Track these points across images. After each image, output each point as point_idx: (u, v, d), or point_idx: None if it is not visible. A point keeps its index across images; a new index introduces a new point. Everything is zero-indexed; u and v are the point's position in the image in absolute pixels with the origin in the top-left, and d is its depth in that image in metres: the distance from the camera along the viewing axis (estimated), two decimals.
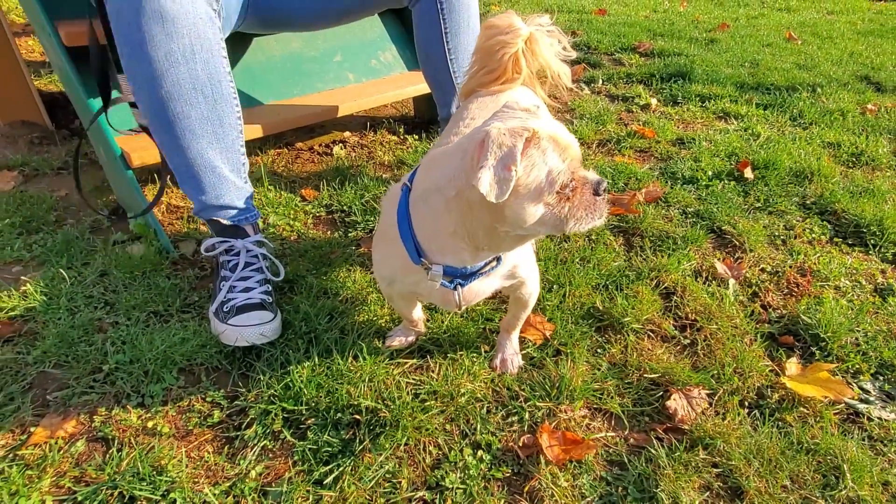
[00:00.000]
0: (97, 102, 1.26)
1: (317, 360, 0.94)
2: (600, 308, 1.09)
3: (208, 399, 0.90)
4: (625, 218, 1.38)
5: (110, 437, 0.84)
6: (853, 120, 1.99)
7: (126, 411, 0.88)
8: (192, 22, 0.88)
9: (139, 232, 1.26)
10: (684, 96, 2.22)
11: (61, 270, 1.13)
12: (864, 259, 1.28)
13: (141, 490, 0.75)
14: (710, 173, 1.59)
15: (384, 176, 1.60)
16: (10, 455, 0.81)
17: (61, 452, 0.81)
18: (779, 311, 1.11)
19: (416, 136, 1.84)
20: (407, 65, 1.86)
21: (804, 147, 1.76)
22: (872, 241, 1.32)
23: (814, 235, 1.35)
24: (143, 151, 1.24)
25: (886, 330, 1.05)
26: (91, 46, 1.05)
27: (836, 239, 1.35)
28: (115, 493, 0.75)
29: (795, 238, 1.34)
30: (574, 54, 1.06)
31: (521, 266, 0.80)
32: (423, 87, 1.65)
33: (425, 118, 1.94)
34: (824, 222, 1.40)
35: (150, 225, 1.24)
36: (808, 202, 1.48)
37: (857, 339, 1.03)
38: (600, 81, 2.41)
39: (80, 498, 0.75)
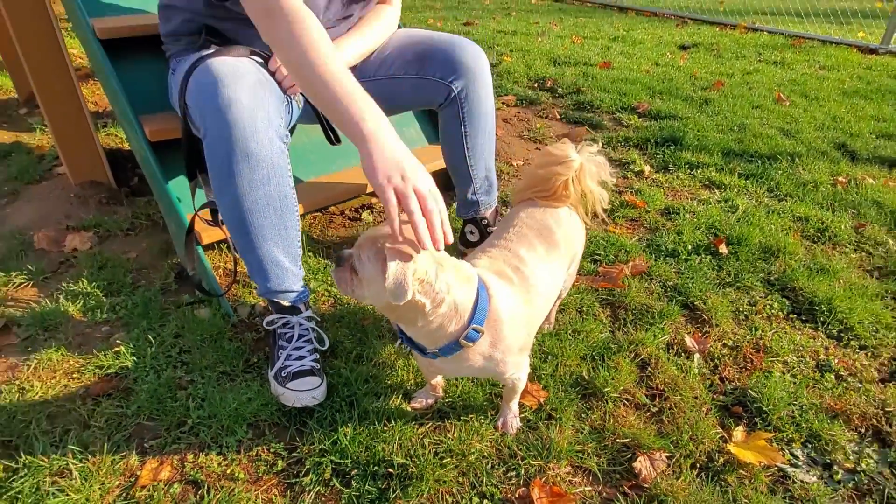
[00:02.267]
0: (173, 188, 1.53)
1: (357, 420, 1.18)
2: (586, 378, 1.32)
3: (272, 450, 1.15)
4: (612, 291, 1.63)
5: (199, 480, 1.08)
6: (824, 193, 2.23)
7: (209, 459, 1.12)
8: (270, 156, 1.14)
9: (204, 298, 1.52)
10: (675, 163, 2.46)
11: (149, 336, 1.39)
12: (813, 336, 1.51)
13: None
14: (689, 248, 1.83)
15: None
16: (125, 494, 1.05)
17: (164, 493, 1.06)
18: (733, 384, 1.35)
19: None
20: (428, 139, 2.12)
21: (776, 221, 2.00)
22: (822, 319, 1.55)
23: (773, 311, 1.58)
24: (212, 231, 1.50)
25: (818, 404, 1.28)
26: (185, 157, 1.30)
27: (791, 315, 1.58)
28: None
29: (756, 314, 1.57)
30: (614, 179, 1.29)
31: (501, 363, 1.02)
32: (441, 162, 1.90)
33: (441, 185, 2.19)
34: (783, 298, 1.64)
35: (216, 295, 1.50)
36: (772, 278, 1.72)
37: (793, 411, 1.26)
38: (601, 144, 2.66)
39: None
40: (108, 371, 1.32)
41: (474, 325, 0.94)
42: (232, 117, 1.08)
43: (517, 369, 1.07)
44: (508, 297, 1.02)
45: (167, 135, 1.52)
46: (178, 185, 1.59)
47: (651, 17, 6.21)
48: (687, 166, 2.45)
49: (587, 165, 1.20)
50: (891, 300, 1.65)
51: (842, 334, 1.51)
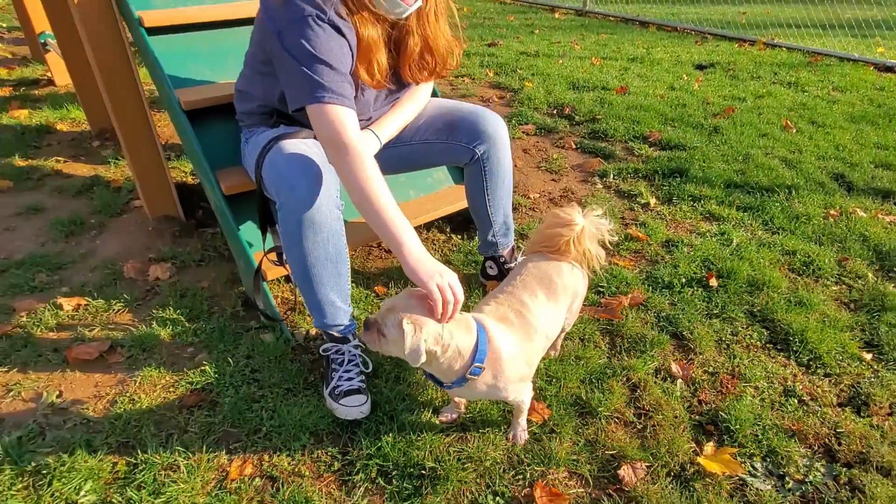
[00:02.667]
0: (243, 234, 1.85)
1: (396, 430, 1.48)
2: (584, 398, 1.60)
3: (329, 453, 1.45)
4: (611, 321, 1.89)
5: (275, 476, 1.40)
6: (815, 225, 2.44)
7: (281, 459, 1.43)
8: (329, 223, 1.44)
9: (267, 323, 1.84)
10: (679, 196, 2.70)
11: (227, 357, 1.71)
12: (785, 364, 1.75)
13: None
14: (683, 280, 2.08)
15: None
16: (219, 485, 1.37)
17: (248, 485, 1.37)
18: (709, 406, 1.60)
19: (460, 236, 2.38)
20: (454, 180, 2.40)
21: (765, 255, 2.23)
22: (795, 349, 1.79)
23: (751, 341, 1.83)
24: (276, 269, 1.81)
25: (779, 424, 1.53)
26: (259, 214, 1.62)
27: (768, 345, 1.82)
28: None
29: (737, 343, 1.82)
30: (615, 238, 1.56)
31: (503, 390, 1.31)
32: (464, 202, 2.19)
33: (467, 220, 2.48)
34: (763, 329, 1.88)
35: (280, 324, 1.81)
36: (755, 310, 1.95)
37: (756, 430, 1.51)
38: (611, 176, 2.91)
39: None
40: (197, 386, 1.64)
41: (476, 363, 1.23)
42: (301, 196, 1.38)
43: (519, 394, 1.35)
44: (507, 339, 1.30)
45: (238, 189, 1.84)
46: (247, 230, 1.91)
47: (672, 32, 6.36)
48: (690, 198, 2.68)
49: (589, 228, 1.47)
50: (860, 331, 1.87)
51: (811, 363, 1.74)
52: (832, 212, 2.55)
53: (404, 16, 1.46)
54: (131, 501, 1.31)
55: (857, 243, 2.31)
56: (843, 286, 2.10)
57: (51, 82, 4.29)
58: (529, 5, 8.11)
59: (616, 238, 1.57)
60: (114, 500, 1.31)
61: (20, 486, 1.34)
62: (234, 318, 1.91)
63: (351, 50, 1.41)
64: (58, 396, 1.59)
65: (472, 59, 5.06)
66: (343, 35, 1.37)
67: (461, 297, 1.23)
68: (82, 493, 1.32)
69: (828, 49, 5.32)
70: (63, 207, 2.57)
